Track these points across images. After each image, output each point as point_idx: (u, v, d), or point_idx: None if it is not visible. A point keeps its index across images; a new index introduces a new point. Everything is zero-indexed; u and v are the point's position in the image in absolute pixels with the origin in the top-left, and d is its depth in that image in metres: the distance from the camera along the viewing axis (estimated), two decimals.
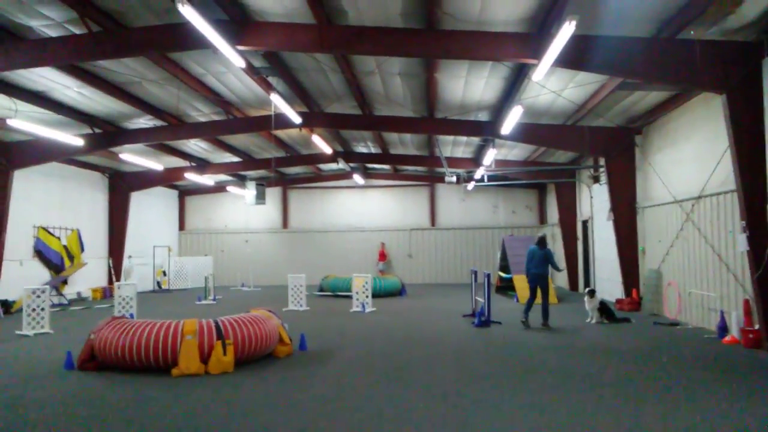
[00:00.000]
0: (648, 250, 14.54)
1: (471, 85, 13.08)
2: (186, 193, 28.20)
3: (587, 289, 13.17)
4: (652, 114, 13.64)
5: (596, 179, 18.25)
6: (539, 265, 12.08)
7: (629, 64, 9.69)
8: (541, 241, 12.33)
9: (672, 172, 13.00)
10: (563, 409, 5.99)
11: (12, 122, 12.58)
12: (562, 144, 16.07)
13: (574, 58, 9.45)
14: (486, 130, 15.94)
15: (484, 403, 6.31)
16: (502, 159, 21.00)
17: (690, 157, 12.21)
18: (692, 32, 8.99)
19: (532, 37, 9.49)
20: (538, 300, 12.25)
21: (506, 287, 19.46)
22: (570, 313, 14.36)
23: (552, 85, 12.19)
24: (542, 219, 26.60)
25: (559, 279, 22.87)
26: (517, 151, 20.33)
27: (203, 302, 18.27)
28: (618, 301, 14.96)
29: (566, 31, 7.78)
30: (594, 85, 12.20)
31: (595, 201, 18.50)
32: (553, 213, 23.84)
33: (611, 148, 14.89)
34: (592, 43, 9.35)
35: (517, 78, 12.22)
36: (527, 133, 15.38)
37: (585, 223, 19.96)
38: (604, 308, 12.62)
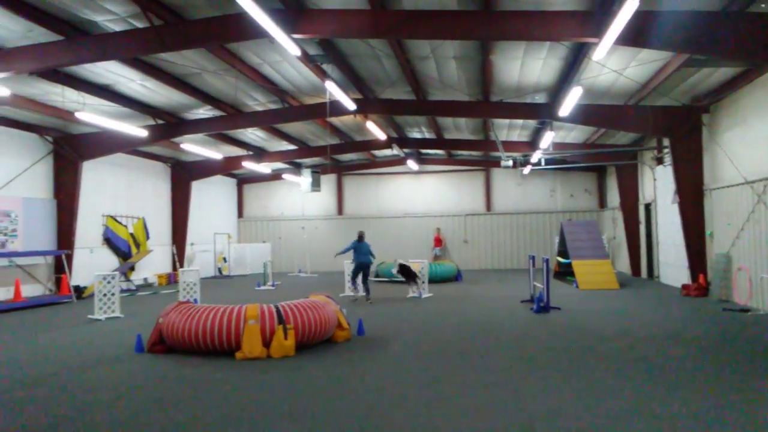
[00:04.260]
0: (716, 234, 13.95)
1: (528, 66, 12.80)
2: (244, 181, 28.82)
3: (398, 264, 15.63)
4: (721, 91, 13.02)
5: (660, 161, 17.60)
6: (365, 255, 14.89)
7: (696, 39, 9.24)
8: (361, 237, 15.13)
9: (742, 152, 12.40)
10: (629, 396, 5.84)
11: (80, 115, 13.09)
12: (623, 125, 15.54)
13: (637, 36, 9.10)
14: (543, 113, 15.60)
15: (545, 388, 6.22)
16: (560, 142, 20.53)
17: (762, 136, 11.61)
18: (763, 5, 8.51)
19: (592, 15, 9.18)
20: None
21: (565, 272, 19.09)
22: (633, 299, 13.99)
23: (613, 64, 11.80)
24: (602, 203, 25.93)
25: (621, 265, 22.31)
26: (576, 134, 19.83)
27: (262, 288, 18.69)
28: (684, 286, 14.46)
29: (629, 7, 7.49)
30: (658, 63, 11.74)
31: (658, 183, 17.88)
32: (613, 196, 23.19)
33: (676, 128, 14.32)
34: (657, 18, 8.99)
35: (576, 58, 11.88)
36: (587, 114, 14.98)
37: (648, 206, 19.34)
38: (404, 270, 15.20)
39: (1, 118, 15.18)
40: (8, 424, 5.39)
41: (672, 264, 16.83)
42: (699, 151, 14.32)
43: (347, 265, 16.19)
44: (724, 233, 13.49)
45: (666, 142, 15.87)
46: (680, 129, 14.28)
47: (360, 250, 14.91)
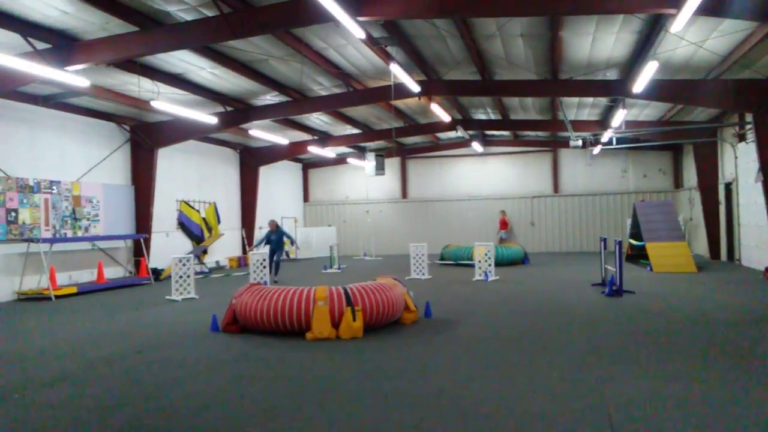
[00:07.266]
0: None
1: (599, 41, 12.33)
2: (309, 166, 29.26)
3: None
4: None
5: (742, 137, 16.66)
6: (277, 242, 16.83)
7: None
8: (273, 224, 17.21)
9: None
10: (711, 382, 5.59)
11: (155, 104, 13.56)
12: (702, 100, 14.70)
13: (718, 4, 8.61)
14: (615, 90, 15.00)
15: (622, 372, 6.04)
16: (633, 120, 19.75)
17: None
18: None
19: None
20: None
21: (638, 255, 18.46)
22: (712, 282, 13.39)
23: (692, 36, 11.21)
24: (677, 182, 24.84)
25: (698, 247, 21.39)
26: (650, 111, 19.01)
27: (329, 271, 18.97)
28: None
29: None
30: (741, 34, 11.06)
31: (740, 161, 16.94)
32: (690, 176, 22.17)
33: (761, 102, 13.43)
34: None
35: (652, 31, 11.34)
36: (662, 90, 14.26)
37: (728, 185, 18.39)
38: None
39: (81, 108, 15.95)
40: (94, 398, 5.70)
41: (755, 246, 15.97)
42: None
43: (413, 247, 16.19)
44: None
45: (749, 117, 14.97)
46: (765, 103, 13.42)
47: (271, 238, 17.28)
